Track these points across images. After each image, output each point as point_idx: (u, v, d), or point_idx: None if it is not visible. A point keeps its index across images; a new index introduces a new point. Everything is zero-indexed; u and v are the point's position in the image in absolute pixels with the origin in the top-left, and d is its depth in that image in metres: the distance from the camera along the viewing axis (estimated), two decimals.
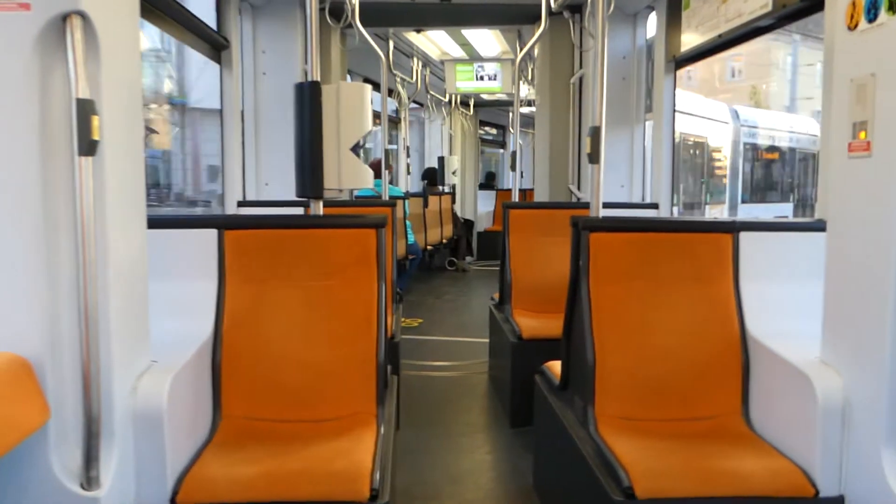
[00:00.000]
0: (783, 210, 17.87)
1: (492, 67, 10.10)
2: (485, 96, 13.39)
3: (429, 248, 10.09)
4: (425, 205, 10.06)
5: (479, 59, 10.15)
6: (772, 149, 18.20)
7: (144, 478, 2.04)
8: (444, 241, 11.11)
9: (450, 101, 12.89)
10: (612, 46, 5.75)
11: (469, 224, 12.68)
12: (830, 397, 2.15)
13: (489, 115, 16.80)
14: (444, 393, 4.94)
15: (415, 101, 11.30)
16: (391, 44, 7.76)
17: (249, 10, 5.46)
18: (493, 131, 19.25)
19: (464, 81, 10.19)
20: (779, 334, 2.56)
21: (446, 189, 12.09)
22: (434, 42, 9.32)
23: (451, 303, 8.49)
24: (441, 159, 12.20)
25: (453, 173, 12.35)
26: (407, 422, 4.21)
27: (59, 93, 1.76)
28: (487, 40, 9.28)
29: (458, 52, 9.97)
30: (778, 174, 18.58)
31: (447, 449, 3.89)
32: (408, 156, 11.42)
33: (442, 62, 10.12)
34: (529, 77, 8.26)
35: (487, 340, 5.36)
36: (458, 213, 12.59)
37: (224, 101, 5.07)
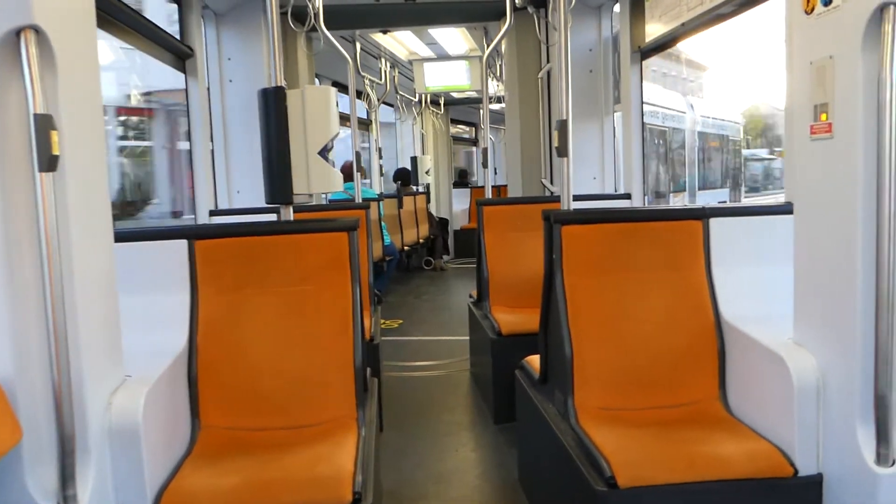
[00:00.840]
0: (723, 195, 18.91)
1: (461, 65, 10.08)
2: (455, 94, 13.37)
3: (406, 248, 10.08)
4: (400, 205, 10.05)
5: (446, 57, 10.14)
6: (714, 137, 18.99)
7: (123, 494, 2.01)
8: (421, 240, 11.11)
9: (420, 101, 12.88)
10: (578, 40, 5.78)
11: (444, 223, 12.69)
12: (805, 378, 2.17)
13: (460, 113, 16.81)
14: (427, 393, 4.94)
15: (384, 102, 11.27)
16: (358, 46, 7.73)
17: (213, 17, 5.42)
18: (466, 129, 19.27)
19: (433, 80, 10.17)
20: (752, 318, 2.58)
21: (420, 189, 12.08)
22: (401, 42, 9.30)
23: (429, 302, 8.49)
24: (414, 159, 12.18)
25: (427, 173, 12.34)
26: (390, 423, 4.21)
27: (16, 109, 1.73)
28: (455, 39, 9.27)
29: (426, 52, 9.95)
30: (718, 161, 19.46)
31: (432, 449, 3.89)
32: (380, 157, 11.40)
33: (410, 62, 10.10)
34: (498, 73, 8.27)
35: (465, 338, 5.36)
36: (434, 213, 12.60)
37: (191, 111, 5.02)
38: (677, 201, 16.02)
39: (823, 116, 2.07)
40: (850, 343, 2.03)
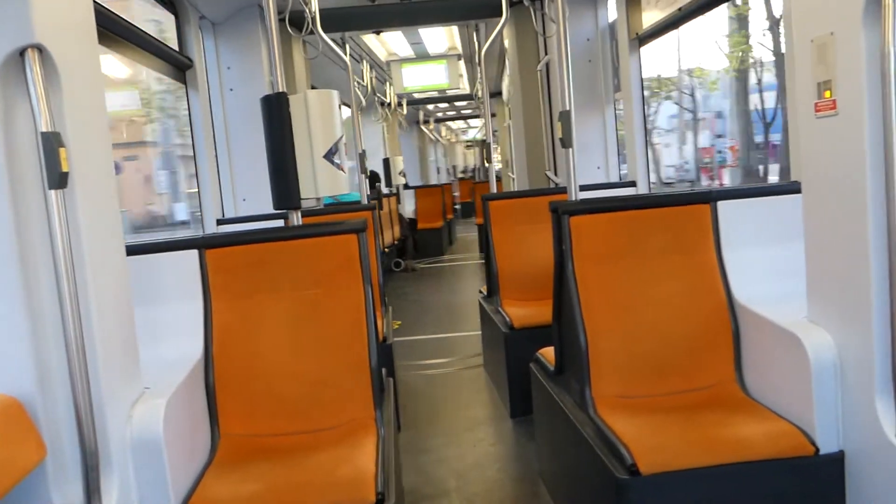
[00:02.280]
0: None
1: (440, 65, 10.01)
2: (435, 93, 13.24)
3: (386, 250, 10.10)
4: (380, 207, 10.03)
5: (425, 57, 10.06)
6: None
7: None
8: (396, 241, 11.15)
9: (389, 103, 12.81)
10: (576, 30, 5.77)
11: (413, 223, 12.70)
12: (822, 355, 2.17)
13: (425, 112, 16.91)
14: (442, 390, 4.95)
15: (344, 103, 11.21)
16: (348, 49, 7.74)
17: (210, 27, 5.43)
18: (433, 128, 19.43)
19: (411, 81, 10.08)
20: (765, 298, 2.58)
21: (392, 190, 12.06)
22: (384, 43, 9.22)
23: (417, 303, 8.51)
24: (386, 161, 12.11)
25: (400, 173, 12.30)
26: (407, 423, 4.22)
27: (23, 128, 1.74)
28: (438, 37, 9.18)
29: (407, 52, 9.84)
30: None
31: (450, 445, 3.90)
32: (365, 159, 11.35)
33: (388, 63, 10.03)
34: (481, 71, 8.25)
35: (472, 333, 5.37)
36: (402, 214, 12.57)
37: (193, 121, 5.03)
38: None
39: (827, 93, 2.07)
40: (865, 318, 2.03)
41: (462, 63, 10.38)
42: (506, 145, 12.22)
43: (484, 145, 6.89)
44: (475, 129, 26.46)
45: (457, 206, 19.06)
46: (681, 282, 2.75)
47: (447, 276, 10.85)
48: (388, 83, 10.91)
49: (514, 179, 11.17)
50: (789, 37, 2.73)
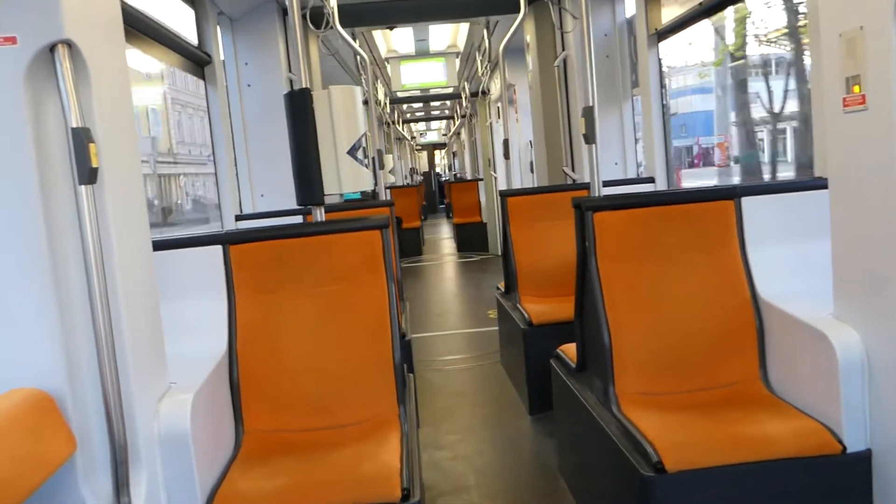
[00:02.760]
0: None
1: (439, 62, 9.95)
2: (435, 90, 13.14)
3: None
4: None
5: (425, 54, 10.01)
6: None
7: (176, 500, 2.03)
8: None
9: (378, 100, 12.75)
10: (594, 25, 5.72)
11: (399, 222, 12.67)
12: (849, 353, 2.15)
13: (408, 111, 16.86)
14: (460, 386, 4.96)
15: None
16: (357, 44, 7.72)
17: (228, 23, 5.44)
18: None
19: (409, 78, 9.96)
20: (790, 295, 2.56)
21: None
22: (388, 39, 9.12)
23: (411, 300, 8.54)
24: (373, 160, 12.05)
25: (390, 172, 12.31)
26: (426, 419, 4.23)
27: (53, 123, 1.75)
28: (443, 34, 9.11)
29: (409, 48, 9.73)
30: None
31: (470, 442, 3.90)
32: (364, 156, 11.25)
33: (387, 59, 9.98)
34: (479, 70, 8.11)
35: (483, 329, 5.37)
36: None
37: (212, 117, 5.05)
38: None
39: (856, 88, 2.05)
40: (894, 316, 2.01)
41: (458, 61, 10.31)
42: (488, 145, 12.12)
43: (504, 143, 6.86)
44: (434, 131, 26.13)
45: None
46: (705, 278, 2.74)
47: (426, 273, 10.99)
48: (379, 80, 10.85)
49: (496, 178, 11.16)
50: (815, 31, 2.71)
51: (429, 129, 25.77)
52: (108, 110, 1.89)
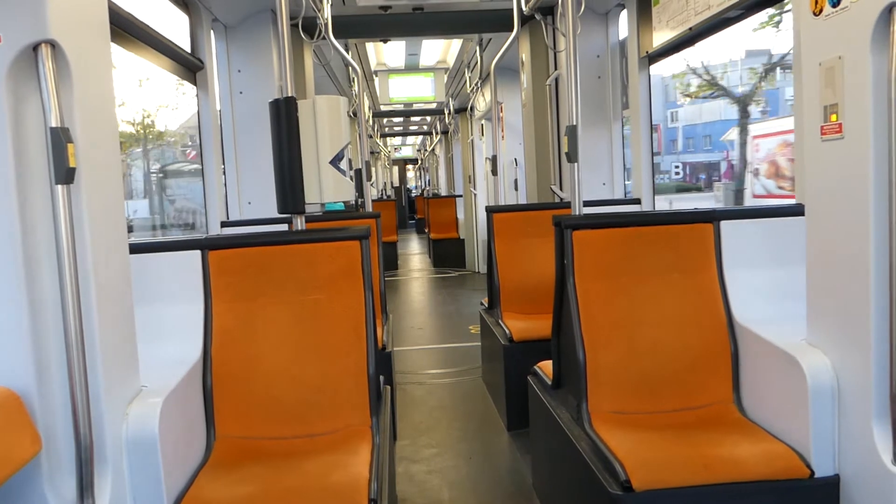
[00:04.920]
0: None
1: (427, 77, 9.97)
2: (420, 105, 13.16)
3: None
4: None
5: (414, 68, 10.05)
6: None
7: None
8: None
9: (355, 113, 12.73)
10: (586, 46, 5.78)
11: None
12: (819, 378, 2.17)
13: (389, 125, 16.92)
14: (440, 400, 4.95)
15: None
16: (350, 56, 7.73)
17: (222, 29, 5.45)
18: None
19: (397, 92, 9.99)
20: (765, 319, 2.58)
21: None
22: (379, 52, 9.13)
23: (393, 313, 8.58)
24: (358, 171, 12.09)
25: (371, 184, 12.28)
26: (404, 432, 4.21)
27: (32, 122, 1.75)
28: (434, 49, 9.13)
29: (399, 62, 9.76)
30: None
31: (445, 456, 3.89)
32: (369, 168, 11.29)
33: (375, 72, 10.00)
34: (468, 87, 8.08)
35: (465, 344, 5.38)
36: None
37: (202, 122, 5.04)
38: None
39: (833, 117, 2.07)
40: (864, 343, 2.03)
41: (446, 76, 10.36)
42: (468, 161, 12.15)
43: (492, 160, 6.88)
44: (409, 146, 26.08)
45: None
46: (681, 300, 2.75)
47: (403, 287, 11.02)
48: (365, 93, 10.86)
49: (475, 195, 11.15)
50: (797, 60, 2.74)
51: (404, 144, 25.65)
52: (90, 111, 1.90)
